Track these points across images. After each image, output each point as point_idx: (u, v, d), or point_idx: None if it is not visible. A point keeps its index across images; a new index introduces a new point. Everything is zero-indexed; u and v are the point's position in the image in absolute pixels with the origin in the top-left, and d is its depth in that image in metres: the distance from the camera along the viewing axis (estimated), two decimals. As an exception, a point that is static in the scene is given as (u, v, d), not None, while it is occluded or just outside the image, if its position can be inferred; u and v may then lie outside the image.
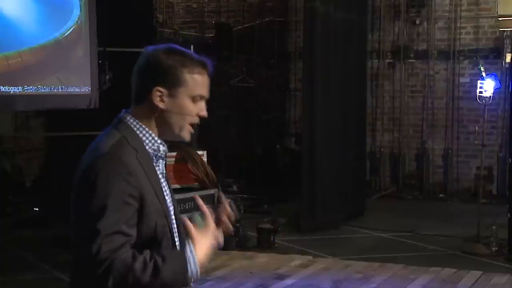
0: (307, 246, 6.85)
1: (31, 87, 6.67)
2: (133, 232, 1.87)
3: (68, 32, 7.02)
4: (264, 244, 6.76)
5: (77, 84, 7.15)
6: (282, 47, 10.83)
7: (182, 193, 6.63)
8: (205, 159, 6.95)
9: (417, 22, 10.14)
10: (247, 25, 10.72)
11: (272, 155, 10.08)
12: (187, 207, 6.60)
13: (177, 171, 6.70)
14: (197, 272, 1.88)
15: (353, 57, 8.46)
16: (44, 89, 6.79)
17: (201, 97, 2.06)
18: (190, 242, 1.90)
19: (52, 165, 9.33)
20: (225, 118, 10.79)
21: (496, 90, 7.15)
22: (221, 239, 2.00)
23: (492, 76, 7.05)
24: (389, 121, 10.34)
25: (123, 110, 2.05)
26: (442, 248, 6.82)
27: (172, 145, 7.21)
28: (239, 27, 10.70)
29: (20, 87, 6.55)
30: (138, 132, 2.00)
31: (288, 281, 5.53)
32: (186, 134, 2.05)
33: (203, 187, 6.81)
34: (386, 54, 10.33)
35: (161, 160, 2.06)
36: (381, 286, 5.46)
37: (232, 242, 6.65)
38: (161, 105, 1.99)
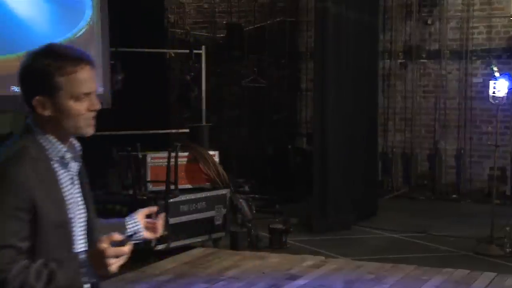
0: (319, 247, 6.84)
1: (43, 87, 6.69)
2: (25, 245, 1.87)
3: (81, 33, 7.05)
4: (276, 244, 6.75)
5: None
6: (293, 47, 10.81)
7: (193, 193, 6.65)
8: (216, 159, 6.95)
9: (429, 22, 10.09)
10: (258, 25, 10.71)
11: (283, 155, 10.07)
12: (198, 207, 6.62)
13: (189, 171, 6.71)
14: (91, 279, 1.89)
15: (364, 57, 8.44)
16: (57, 89, 6.81)
17: (86, 94, 1.97)
18: (89, 252, 1.90)
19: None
20: (236, 118, 10.79)
21: (509, 90, 7.10)
22: (123, 261, 1.92)
23: (505, 76, 7.00)
24: (401, 121, 10.31)
25: (30, 120, 2.01)
26: (455, 249, 6.78)
27: (184, 146, 7.18)
28: (250, 27, 10.70)
29: (32, 87, 6.57)
30: (41, 140, 1.97)
31: (300, 281, 5.51)
32: (86, 130, 2.00)
33: (214, 187, 6.82)
34: (398, 54, 10.30)
35: (74, 163, 2.03)
36: (393, 287, 5.43)
37: (244, 243, 6.65)
38: (46, 113, 1.95)
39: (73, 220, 2.01)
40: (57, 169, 1.99)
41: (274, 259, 6.22)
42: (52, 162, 1.98)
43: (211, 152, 6.97)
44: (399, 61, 10.30)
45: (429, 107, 10.18)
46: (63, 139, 2.01)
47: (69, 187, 2.01)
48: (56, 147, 1.98)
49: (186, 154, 6.72)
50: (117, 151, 6.51)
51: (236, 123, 10.75)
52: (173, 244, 6.26)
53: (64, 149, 2.00)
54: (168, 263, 5.96)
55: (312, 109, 8.90)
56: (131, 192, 6.31)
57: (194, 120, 8.81)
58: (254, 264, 6.03)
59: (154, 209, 2.30)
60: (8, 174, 1.86)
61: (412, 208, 9.12)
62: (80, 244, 2.03)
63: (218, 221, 6.74)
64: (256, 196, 8.99)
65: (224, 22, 10.94)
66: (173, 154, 6.39)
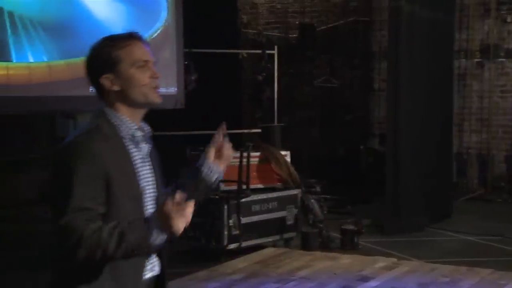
0: (391, 248, 6.76)
1: (120, 88, 6.85)
2: (101, 208, 2.01)
3: (156, 34, 7.18)
4: (347, 245, 6.71)
5: (164, 84, 7.29)
6: (366, 46, 10.72)
7: (265, 193, 6.68)
8: (288, 159, 6.96)
9: (509, 19, 9.82)
10: (331, 25, 10.68)
11: (355, 156, 10.00)
12: (270, 207, 6.64)
13: (260, 171, 6.75)
14: (160, 239, 1.98)
15: (439, 57, 8.29)
16: (132, 89, 6.96)
17: (145, 61, 2.15)
18: (156, 213, 1.99)
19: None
20: (308, 119, 10.78)
21: None
22: (189, 219, 2.00)
23: None
24: (477, 121, 10.07)
25: (102, 104, 2.18)
26: (533, 254, 6.59)
27: (256, 146, 7.21)
28: (323, 27, 10.67)
29: (110, 88, 6.73)
30: (113, 120, 2.13)
31: (372, 283, 5.47)
32: (153, 98, 2.16)
33: (286, 187, 6.83)
34: (474, 53, 10.06)
35: (144, 144, 2.18)
36: (468, 291, 5.32)
37: (315, 243, 6.64)
38: (114, 87, 2.13)
39: (145, 195, 2.14)
40: (129, 147, 2.13)
41: (345, 260, 6.19)
42: (124, 140, 2.12)
43: (283, 152, 6.99)
44: (476, 60, 10.06)
45: (507, 107, 9.90)
46: (133, 116, 2.15)
47: (139, 165, 2.14)
48: (127, 125, 2.13)
49: (258, 154, 6.76)
50: (190, 150, 6.61)
51: (308, 123, 10.73)
52: (245, 244, 6.31)
53: (135, 127, 2.15)
54: (239, 263, 6.01)
55: (385, 109, 8.80)
56: (203, 191, 6.38)
57: (266, 120, 8.85)
58: (325, 265, 6.02)
59: (219, 138, 2.34)
60: (84, 146, 2.02)
61: (488, 210, 8.89)
62: None
63: (290, 221, 6.75)
64: (328, 196, 8.94)
65: (297, 22, 10.94)
66: (245, 154, 6.44)
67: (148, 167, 2.17)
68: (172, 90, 7.34)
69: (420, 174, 7.76)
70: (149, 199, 2.15)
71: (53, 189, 2.05)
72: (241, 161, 6.39)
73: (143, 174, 2.14)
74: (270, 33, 10.85)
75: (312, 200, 7.01)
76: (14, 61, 6.05)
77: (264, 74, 8.72)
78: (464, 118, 10.11)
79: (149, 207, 2.15)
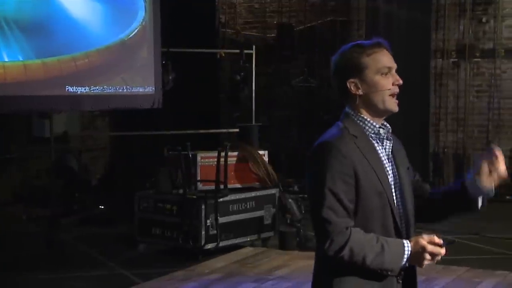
0: (368, 247, 6.78)
1: (97, 87, 6.82)
2: (350, 204, 2.18)
3: (133, 33, 7.16)
4: (325, 244, 6.72)
5: (141, 84, 7.27)
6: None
7: (243, 193, 6.68)
8: (266, 159, 6.97)
9: (484, 20, 9.91)
10: (309, 25, 10.70)
11: (333, 155, 10.02)
12: (248, 207, 6.65)
13: (238, 171, 6.74)
14: (406, 264, 2.17)
15: (416, 57, 8.35)
16: (110, 89, 6.93)
17: (389, 69, 2.33)
18: (411, 242, 2.20)
19: (117, 164, 9.52)
20: (286, 118, 10.80)
21: None
22: (439, 258, 2.25)
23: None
24: (453, 121, 10.15)
25: (347, 107, 2.34)
26: (509, 251, 6.65)
27: (233, 145, 7.18)
28: (301, 27, 10.69)
29: (86, 87, 6.71)
30: (357, 121, 2.30)
31: (349, 282, 5.49)
32: (391, 105, 2.33)
33: (264, 186, 6.84)
34: (450, 53, 10.14)
35: (387, 141, 2.34)
36: (444, 289, 5.36)
37: (293, 242, 6.65)
38: (359, 92, 2.29)
39: (391, 189, 2.28)
40: (374, 144, 2.30)
41: (323, 259, 6.21)
42: (370, 139, 2.30)
43: (261, 152, 6.99)
44: (452, 60, 10.13)
45: (482, 107, 9.99)
46: (375, 117, 2.32)
47: (385, 161, 2.30)
48: (371, 124, 2.31)
49: (235, 153, 6.76)
50: (168, 150, 6.59)
51: (286, 122, 10.75)
52: (222, 244, 6.31)
53: (378, 125, 2.32)
54: (217, 262, 6.01)
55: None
56: (181, 191, 6.38)
57: (244, 119, 8.85)
58: (303, 264, 6.03)
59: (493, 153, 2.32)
60: (335, 147, 2.21)
61: (464, 209, 8.95)
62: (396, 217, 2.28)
63: (267, 221, 6.76)
64: (305, 196, 8.95)
65: (275, 22, 10.96)
66: (223, 154, 6.44)
67: (390, 163, 2.31)
68: (150, 89, 7.32)
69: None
70: (393, 193, 2.28)
71: (309, 185, 2.26)
72: (218, 161, 6.39)
73: (387, 170, 2.28)
74: (248, 33, 10.85)
75: (290, 200, 7.02)
76: (-11, 61, 5.99)
77: (242, 73, 8.72)
78: (440, 117, 10.18)
79: (396, 202, 2.27)
